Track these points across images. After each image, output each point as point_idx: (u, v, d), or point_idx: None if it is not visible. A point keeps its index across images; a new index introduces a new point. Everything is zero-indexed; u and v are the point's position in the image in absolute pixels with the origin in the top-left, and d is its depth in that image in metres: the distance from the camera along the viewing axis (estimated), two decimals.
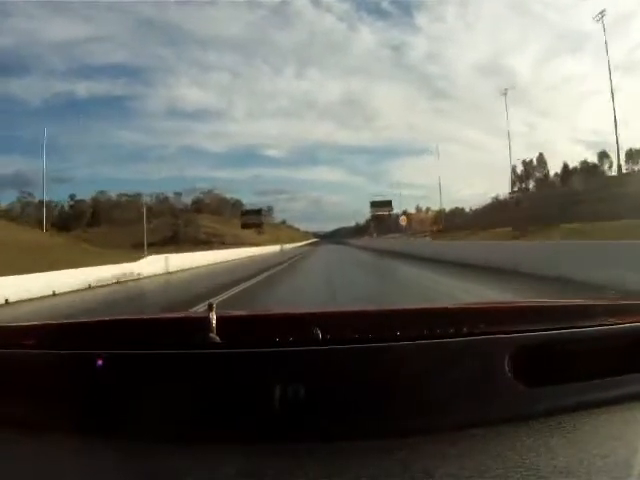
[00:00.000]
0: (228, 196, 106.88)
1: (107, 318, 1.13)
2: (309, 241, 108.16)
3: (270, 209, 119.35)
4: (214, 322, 0.86)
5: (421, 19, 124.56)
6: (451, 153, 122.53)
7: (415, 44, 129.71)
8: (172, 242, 58.45)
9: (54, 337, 0.95)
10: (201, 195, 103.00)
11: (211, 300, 0.87)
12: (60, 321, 1.13)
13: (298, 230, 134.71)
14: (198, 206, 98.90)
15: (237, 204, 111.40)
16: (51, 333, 1.01)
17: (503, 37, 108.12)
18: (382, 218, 71.53)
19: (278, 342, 0.85)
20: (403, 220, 61.13)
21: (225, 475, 0.65)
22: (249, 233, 75.11)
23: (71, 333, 1.01)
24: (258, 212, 75.87)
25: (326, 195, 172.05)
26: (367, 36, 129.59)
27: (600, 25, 40.29)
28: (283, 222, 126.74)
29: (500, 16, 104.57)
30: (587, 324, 0.90)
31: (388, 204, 70.05)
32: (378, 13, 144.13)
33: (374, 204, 70.45)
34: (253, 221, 71.80)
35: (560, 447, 0.67)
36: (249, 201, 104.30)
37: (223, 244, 57.01)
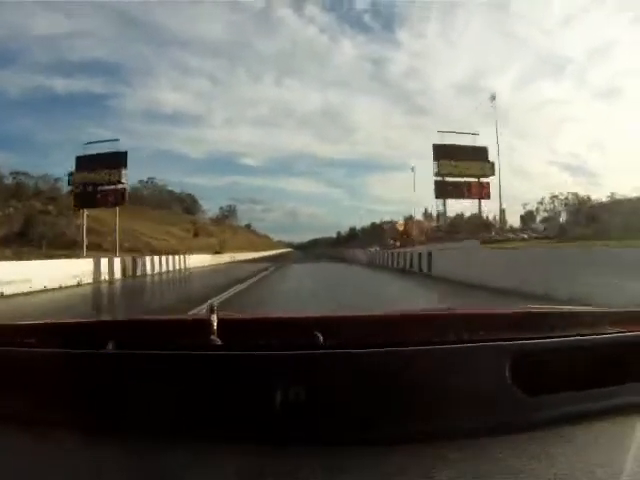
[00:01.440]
0: (177, 190, 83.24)
1: (109, 318, 1.17)
2: (277, 252, 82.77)
3: (232, 209, 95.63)
4: (215, 324, 0.87)
5: (402, 34, 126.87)
6: (428, 169, 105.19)
7: (395, 59, 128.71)
8: (20, 240, 33.32)
9: (56, 336, 0.96)
10: (138, 184, 78.08)
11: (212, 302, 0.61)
12: (62, 320, 1.14)
13: (267, 238, 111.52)
14: (132, 199, 74.32)
15: (187, 199, 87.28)
16: (53, 332, 1.02)
17: (483, 56, 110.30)
18: (461, 192, 29.16)
19: (279, 345, 0.85)
20: (400, 226, 49.48)
21: (226, 475, 0.65)
22: (181, 235, 50.39)
23: (73, 332, 1.02)
24: (111, 160, 29.82)
25: (303, 206, 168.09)
26: (348, 49, 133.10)
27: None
28: (248, 226, 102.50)
29: (481, 36, 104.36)
30: (588, 332, 0.90)
31: (480, 154, 28.89)
32: (360, 27, 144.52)
33: (445, 152, 28.86)
34: (101, 188, 30.19)
35: (560, 455, 0.67)
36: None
37: (101, 249, 32.16)
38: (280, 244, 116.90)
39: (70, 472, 0.67)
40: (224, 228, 71.50)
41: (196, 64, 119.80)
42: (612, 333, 0.91)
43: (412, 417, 0.74)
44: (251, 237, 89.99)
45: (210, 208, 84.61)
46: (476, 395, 0.76)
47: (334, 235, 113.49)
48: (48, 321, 1.12)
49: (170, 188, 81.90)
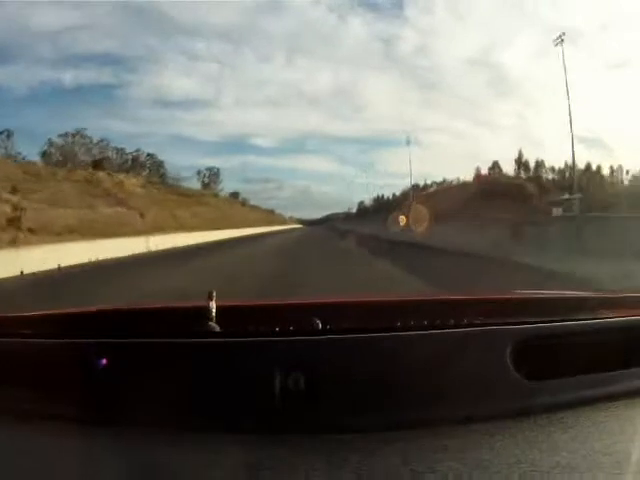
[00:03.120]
0: (140, 152, 60.96)
1: (107, 307, 1.15)
2: (264, 229, 59.24)
3: (215, 173, 72.74)
4: (214, 311, 0.86)
5: (410, 11, 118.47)
6: (439, 144, 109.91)
7: (404, 36, 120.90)
8: None
9: (53, 326, 0.95)
10: (58, 139, 55.94)
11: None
12: (59, 310, 1.13)
13: (272, 213, 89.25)
14: (61, 161, 53.02)
15: (148, 161, 65.06)
16: (50, 322, 1.00)
17: (492, 30, 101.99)
18: None
19: (278, 331, 0.84)
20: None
21: (224, 465, 0.64)
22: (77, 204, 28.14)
23: (70, 322, 1.00)
24: None
25: (315, 184, 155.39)
26: (357, 27, 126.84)
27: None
28: (235, 195, 79.61)
29: (489, 9, 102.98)
30: (590, 317, 0.89)
31: None
32: (368, 4, 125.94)
33: None
34: None
35: (562, 442, 0.66)
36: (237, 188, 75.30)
37: None
38: (291, 220, 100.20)
39: (69, 463, 0.66)
40: (156, 193, 48.49)
41: (204, 49, 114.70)
42: (614, 318, 0.89)
43: (412, 404, 0.72)
44: (233, 210, 67.06)
45: (223, 188, 71.18)
46: (477, 381, 0.74)
47: (348, 209, 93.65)
48: (45, 312, 1.09)
49: (121, 146, 60.11)
